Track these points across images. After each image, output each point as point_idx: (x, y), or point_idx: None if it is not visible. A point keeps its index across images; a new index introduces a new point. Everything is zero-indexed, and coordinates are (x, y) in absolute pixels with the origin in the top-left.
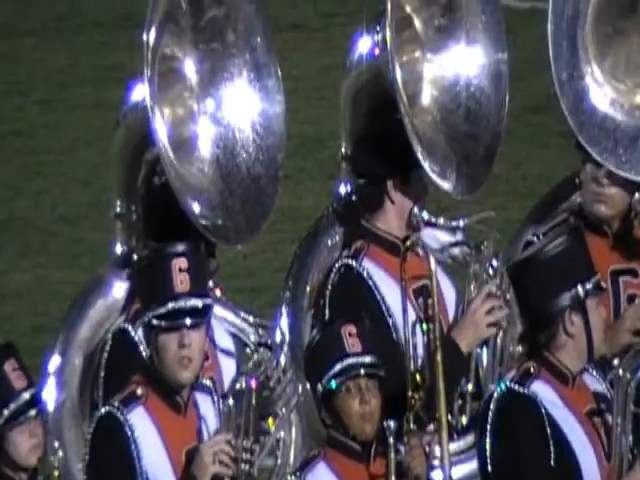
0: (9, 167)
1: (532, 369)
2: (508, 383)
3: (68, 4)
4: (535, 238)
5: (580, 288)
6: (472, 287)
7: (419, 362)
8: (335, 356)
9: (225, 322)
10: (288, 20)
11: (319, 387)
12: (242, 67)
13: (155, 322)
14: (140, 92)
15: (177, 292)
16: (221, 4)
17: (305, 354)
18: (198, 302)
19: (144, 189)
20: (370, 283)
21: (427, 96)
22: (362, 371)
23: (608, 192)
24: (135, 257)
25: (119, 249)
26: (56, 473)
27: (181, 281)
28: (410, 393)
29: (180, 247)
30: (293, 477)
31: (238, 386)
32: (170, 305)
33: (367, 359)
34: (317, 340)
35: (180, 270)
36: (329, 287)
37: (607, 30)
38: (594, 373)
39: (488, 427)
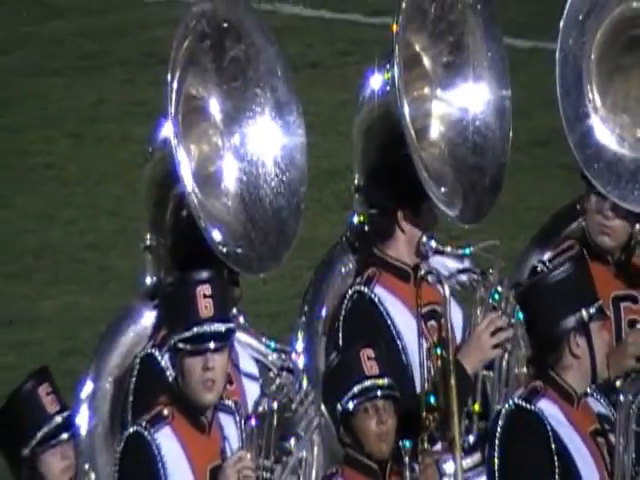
0: (40, 197)
1: (539, 388)
2: (516, 400)
3: (96, 44)
4: (540, 264)
5: (584, 312)
6: (478, 311)
7: (431, 384)
8: (354, 378)
9: (249, 348)
10: (306, 59)
11: (338, 407)
12: (264, 105)
13: (181, 345)
14: (167, 129)
15: (202, 317)
16: (242, 44)
17: (324, 375)
18: (221, 327)
19: (172, 223)
20: (381, 309)
21: (435, 130)
22: (379, 393)
23: (612, 224)
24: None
25: (148, 280)
26: None
27: (205, 306)
28: (425, 414)
29: (204, 274)
30: None
31: (261, 408)
32: (195, 329)
33: (384, 381)
34: (336, 362)
35: (204, 296)
36: (342, 312)
37: (609, 67)
38: (598, 397)
39: (496, 442)
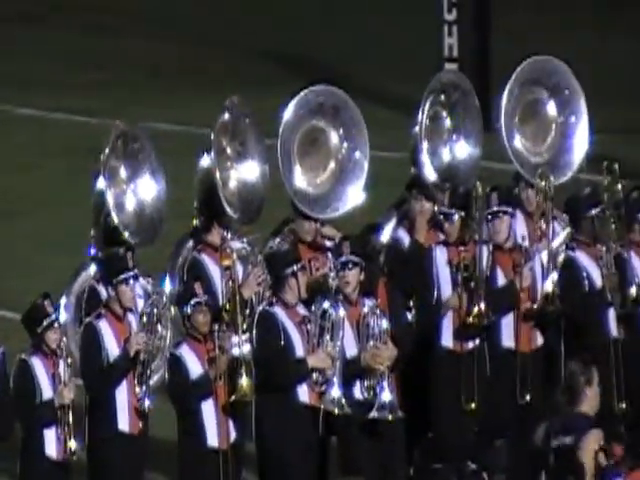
0: None
1: (273, 301)
2: (261, 307)
3: None
4: None
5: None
6: (250, 266)
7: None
8: None
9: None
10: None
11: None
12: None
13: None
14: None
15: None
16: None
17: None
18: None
19: (102, 223)
20: (204, 264)
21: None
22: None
23: None
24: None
25: (92, 251)
26: None
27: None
28: (223, 313)
29: (127, 246)
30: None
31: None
32: (130, 273)
33: None
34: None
35: (130, 258)
36: (186, 266)
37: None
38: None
39: (254, 329)
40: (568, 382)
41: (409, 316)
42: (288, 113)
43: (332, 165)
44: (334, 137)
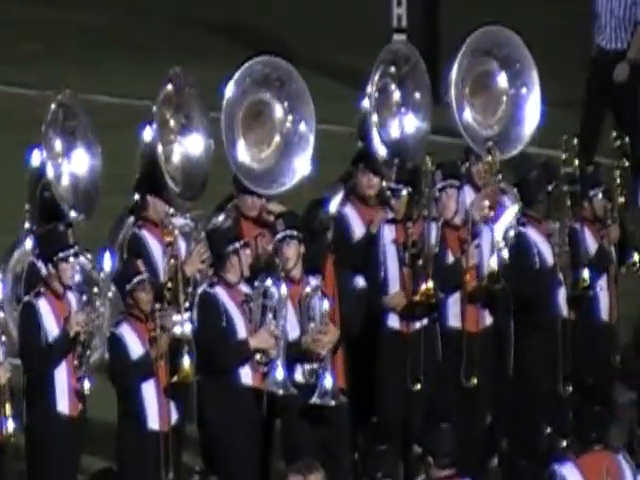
0: None
1: (214, 280)
2: (204, 287)
3: None
4: None
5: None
6: (193, 243)
7: None
8: None
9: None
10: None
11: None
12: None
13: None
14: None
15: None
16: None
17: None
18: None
19: (39, 198)
20: (144, 241)
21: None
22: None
23: None
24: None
25: (27, 225)
26: None
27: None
28: (164, 291)
29: (66, 222)
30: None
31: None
32: (72, 250)
33: None
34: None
35: (70, 234)
36: (125, 244)
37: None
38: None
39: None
40: None
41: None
42: (232, 85)
43: (277, 139)
44: (279, 110)
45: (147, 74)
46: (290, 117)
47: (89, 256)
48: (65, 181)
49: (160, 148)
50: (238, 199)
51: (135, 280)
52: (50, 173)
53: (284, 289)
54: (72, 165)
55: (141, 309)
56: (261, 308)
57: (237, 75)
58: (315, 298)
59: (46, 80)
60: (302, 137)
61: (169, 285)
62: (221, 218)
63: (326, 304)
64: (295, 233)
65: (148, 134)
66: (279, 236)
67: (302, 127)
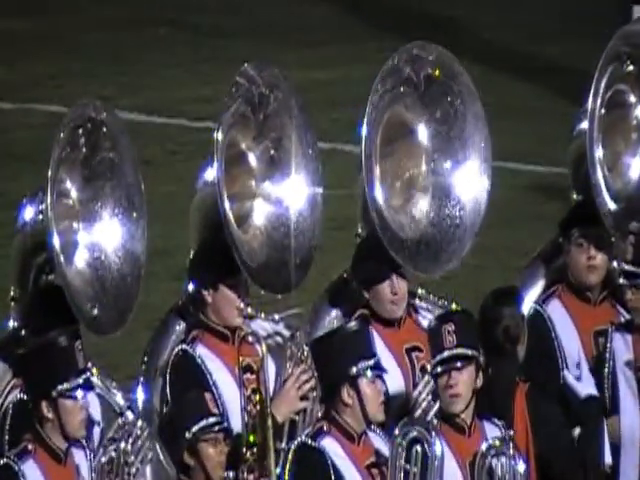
0: None
1: (325, 427)
2: (303, 438)
3: None
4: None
5: (354, 368)
6: (288, 366)
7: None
8: (196, 417)
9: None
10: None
11: (187, 435)
12: (116, 196)
13: (56, 394)
14: (29, 212)
15: (81, 368)
16: (113, 150)
17: (167, 413)
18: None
19: (33, 283)
20: (202, 366)
21: (258, 216)
22: (217, 428)
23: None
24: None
25: (11, 323)
26: None
27: (83, 358)
28: (244, 449)
29: (73, 330)
30: None
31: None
32: (80, 380)
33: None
34: (179, 402)
35: (79, 350)
36: (169, 368)
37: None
38: (381, 434)
39: (287, 473)
40: None
41: None
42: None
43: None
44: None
45: None
46: None
47: (114, 384)
48: (81, 260)
49: (227, 204)
50: (372, 289)
51: (201, 424)
52: (55, 243)
53: (440, 447)
54: (94, 231)
55: (206, 473)
56: (402, 474)
57: None
58: (499, 458)
59: None
60: None
61: (251, 439)
62: (352, 323)
63: (521, 467)
64: (470, 352)
65: (210, 176)
66: (443, 355)
67: None
